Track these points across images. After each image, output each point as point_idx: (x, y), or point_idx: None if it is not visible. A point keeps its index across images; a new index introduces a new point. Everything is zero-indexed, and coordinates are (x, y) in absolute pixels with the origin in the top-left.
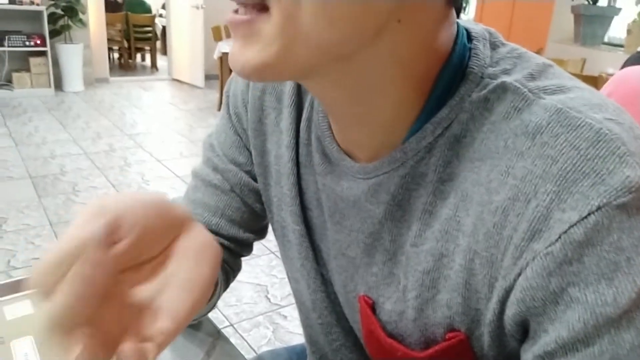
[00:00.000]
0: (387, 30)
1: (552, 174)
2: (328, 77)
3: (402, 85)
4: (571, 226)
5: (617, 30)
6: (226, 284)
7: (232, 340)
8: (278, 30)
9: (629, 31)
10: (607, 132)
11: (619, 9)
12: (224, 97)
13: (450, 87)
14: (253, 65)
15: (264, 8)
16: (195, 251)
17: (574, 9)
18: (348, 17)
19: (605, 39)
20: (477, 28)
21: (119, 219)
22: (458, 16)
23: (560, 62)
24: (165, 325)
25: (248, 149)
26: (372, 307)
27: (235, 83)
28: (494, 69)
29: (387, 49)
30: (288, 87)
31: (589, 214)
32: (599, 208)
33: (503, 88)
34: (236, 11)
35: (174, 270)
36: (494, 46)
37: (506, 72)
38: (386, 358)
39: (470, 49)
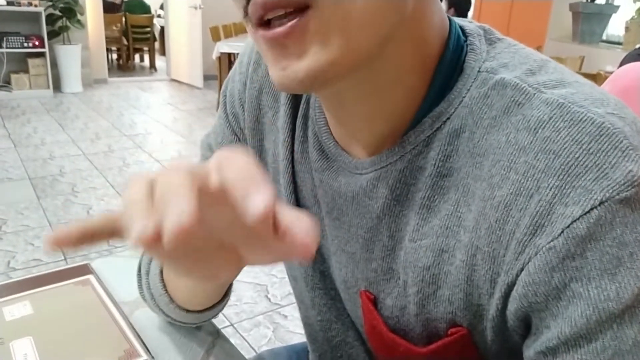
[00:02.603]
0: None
1: (555, 169)
2: (359, 74)
3: (413, 70)
4: (574, 221)
5: (615, 27)
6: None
7: (233, 340)
8: (327, 21)
9: (627, 29)
10: (609, 126)
11: (617, 7)
12: (221, 97)
13: (448, 80)
14: (316, 70)
15: (301, 8)
16: None
17: (572, 7)
18: None
19: (604, 37)
20: (470, 25)
21: None
22: (465, 16)
23: (559, 60)
24: None
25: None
26: (374, 302)
27: (232, 83)
28: (491, 63)
29: (408, 28)
30: None
31: (591, 209)
32: (601, 202)
33: (503, 84)
34: (263, 23)
35: None
36: (490, 42)
37: (504, 65)
38: (389, 353)
39: (466, 44)
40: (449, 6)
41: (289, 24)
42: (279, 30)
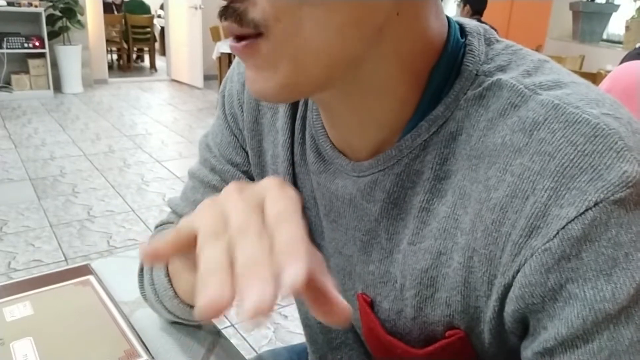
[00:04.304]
0: (388, 26)
1: (550, 170)
2: (341, 86)
3: (402, 81)
4: (569, 222)
5: (615, 26)
6: None
7: (233, 340)
8: (278, 49)
9: (627, 28)
10: (604, 127)
11: (618, 6)
12: (219, 97)
13: (445, 83)
14: (271, 88)
15: (259, 34)
16: None
17: (572, 6)
18: (351, 20)
19: (604, 36)
20: (471, 23)
21: None
22: (481, 14)
23: (559, 59)
24: None
25: (244, 149)
26: (371, 305)
27: (230, 83)
28: (488, 65)
29: (391, 46)
30: None
31: (586, 210)
32: (596, 204)
33: (499, 85)
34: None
35: None
36: (488, 42)
37: (501, 68)
38: (386, 355)
39: (464, 45)
40: (464, 4)
41: (242, 45)
42: (234, 45)
